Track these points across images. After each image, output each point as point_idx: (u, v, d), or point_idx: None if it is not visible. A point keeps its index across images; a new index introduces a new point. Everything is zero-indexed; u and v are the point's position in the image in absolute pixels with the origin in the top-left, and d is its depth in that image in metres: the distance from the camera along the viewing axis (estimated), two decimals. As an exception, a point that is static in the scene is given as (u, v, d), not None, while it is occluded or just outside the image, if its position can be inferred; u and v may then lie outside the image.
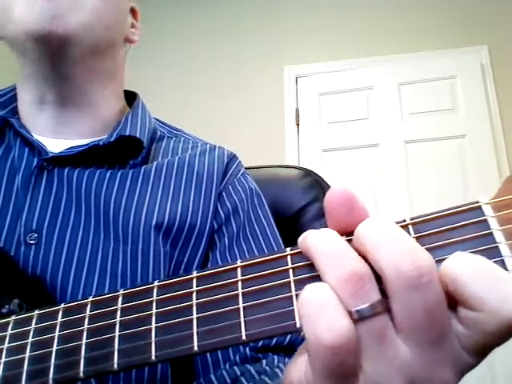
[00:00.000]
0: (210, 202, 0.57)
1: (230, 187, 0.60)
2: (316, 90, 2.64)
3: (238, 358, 0.50)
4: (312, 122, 2.59)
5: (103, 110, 0.60)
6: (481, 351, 0.23)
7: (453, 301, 0.23)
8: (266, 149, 2.47)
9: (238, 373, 0.48)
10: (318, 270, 0.24)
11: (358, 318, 0.23)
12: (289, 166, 0.87)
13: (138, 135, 0.57)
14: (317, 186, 0.79)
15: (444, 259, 0.23)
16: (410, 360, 0.23)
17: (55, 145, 0.56)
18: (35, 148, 0.54)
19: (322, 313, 0.22)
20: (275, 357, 0.50)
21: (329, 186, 0.79)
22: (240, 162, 0.66)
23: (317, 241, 0.25)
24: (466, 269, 0.22)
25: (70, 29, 0.50)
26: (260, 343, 0.51)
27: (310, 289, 0.23)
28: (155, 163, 0.58)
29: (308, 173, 0.81)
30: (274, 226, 0.61)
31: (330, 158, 2.49)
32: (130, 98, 0.67)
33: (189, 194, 0.57)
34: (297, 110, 2.63)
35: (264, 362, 0.49)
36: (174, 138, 0.65)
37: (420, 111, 2.46)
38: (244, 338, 0.25)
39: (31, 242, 0.49)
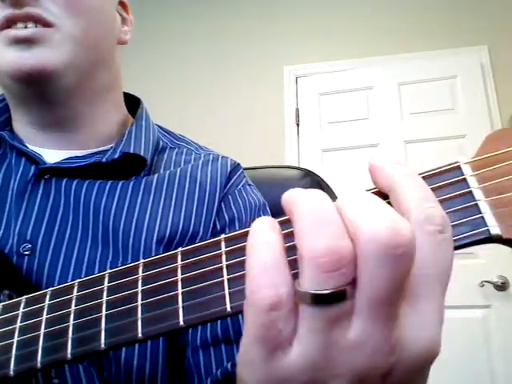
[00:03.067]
0: (212, 213, 0.56)
1: (229, 197, 0.58)
2: (316, 89, 2.64)
3: (209, 381, 0.48)
4: (312, 122, 2.59)
5: (103, 124, 0.57)
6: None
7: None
8: (266, 149, 2.47)
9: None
10: (294, 231, 0.22)
11: (313, 302, 0.21)
12: (289, 167, 0.87)
13: (142, 153, 0.55)
14: (317, 186, 0.78)
15: None
16: (359, 340, 0.21)
17: (52, 155, 0.54)
18: (32, 158, 0.52)
19: (265, 271, 0.21)
20: None
21: (329, 187, 0.79)
22: (243, 172, 0.64)
23: (302, 199, 0.22)
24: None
25: (50, 68, 0.48)
26: None
27: (258, 241, 0.22)
28: (156, 175, 0.56)
29: (308, 173, 0.81)
30: None
31: (330, 157, 2.49)
32: (132, 102, 0.65)
33: (191, 206, 0.55)
34: (297, 110, 2.62)
35: None
36: (176, 150, 0.63)
37: (420, 111, 2.46)
38: (229, 309, 0.25)
39: (25, 252, 0.47)
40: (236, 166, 0.63)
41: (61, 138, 0.55)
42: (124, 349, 0.46)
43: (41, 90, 0.50)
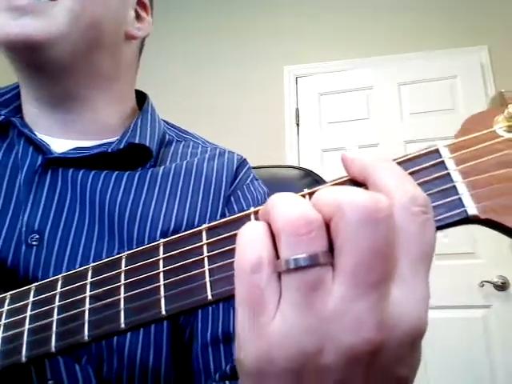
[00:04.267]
0: (218, 206, 0.56)
1: (238, 192, 0.59)
2: (316, 89, 2.64)
3: (217, 376, 0.49)
4: (312, 121, 2.59)
5: (104, 114, 0.58)
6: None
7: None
8: (266, 149, 2.47)
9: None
10: (270, 221, 0.24)
11: (288, 269, 0.22)
12: (289, 166, 0.87)
13: (147, 144, 0.56)
14: (317, 186, 0.78)
15: None
16: (339, 309, 0.21)
17: (59, 144, 0.55)
18: (39, 147, 0.53)
19: (248, 242, 0.23)
20: None
21: (329, 186, 0.79)
22: (250, 167, 0.64)
23: (275, 196, 0.25)
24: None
25: (36, 37, 0.48)
26: None
27: (247, 224, 0.24)
28: (163, 167, 0.57)
29: (308, 173, 0.81)
30: None
31: (330, 158, 2.49)
32: (139, 97, 0.65)
33: (196, 199, 0.55)
34: (297, 110, 2.63)
35: None
36: (182, 143, 0.64)
37: (420, 111, 2.46)
38: (210, 297, 0.26)
39: (33, 242, 0.48)
40: (242, 162, 0.64)
41: (64, 120, 0.56)
42: (127, 342, 0.47)
43: (30, 60, 0.51)
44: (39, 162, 0.52)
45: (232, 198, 0.58)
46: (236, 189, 0.59)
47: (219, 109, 2.71)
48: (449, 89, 2.45)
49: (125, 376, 0.46)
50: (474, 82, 2.43)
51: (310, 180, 0.80)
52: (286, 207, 0.23)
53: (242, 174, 0.61)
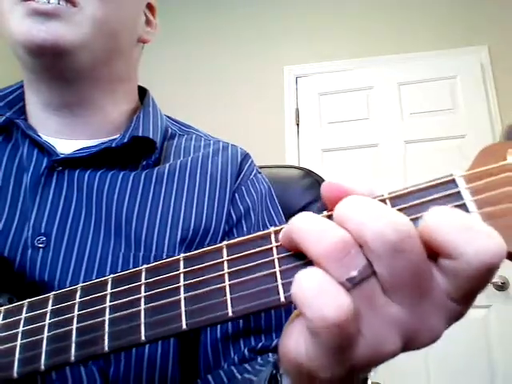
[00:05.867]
0: (225, 204, 0.56)
1: (242, 188, 0.59)
2: (316, 89, 2.64)
3: (236, 358, 0.50)
4: (312, 121, 2.59)
5: (113, 113, 0.58)
6: (464, 297, 0.25)
7: (432, 252, 0.24)
8: (266, 149, 2.46)
9: (235, 371, 0.48)
10: (304, 251, 0.25)
11: (351, 286, 0.24)
12: (289, 166, 0.87)
13: (151, 136, 0.56)
14: (317, 185, 0.79)
15: None
16: (401, 315, 0.24)
17: (65, 145, 0.54)
18: (44, 149, 0.52)
19: (320, 294, 0.23)
20: (270, 354, 0.50)
21: (329, 186, 0.79)
22: (253, 161, 0.65)
23: (297, 223, 0.26)
24: (442, 220, 0.23)
25: (63, 43, 0.48)
26: (259, 345, 0.50)
27: (302, 276, 0.24)
28: (168, 165, 0.57)
29: (308, 173, 0.81)
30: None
31: (329, 157, 2.49)
32: (140, 92, 0.65)
33: (203, 198, 0.56)
34: (297, 110, 2.62)
35: (259, 358, 0.49)
36: (185, 136, 0.64)
37: (420, 111, 2.46)
38: (231, 314, 0.26)
39: (39, 245, 0.48)
40: (246, 155, 0.64)
41: (72, 124, 0.55)
42: None
43: (52, 66, 0.50)
44: (45, 164, 0.51)
45: (237, 195, 0.58)
46: (240, 184, 0.59)
47: (219, 109, 2.70)
48: (449, 89, 2.45)
49: (132, 375, 0.46)
50: (474, 82, 2.43)
51: (310, 180, 0.80)
52: (317, 236, 0.24)
53: (245, 169, 0.62)
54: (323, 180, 0.81)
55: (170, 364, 0.48)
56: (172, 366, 0.48)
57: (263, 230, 0.56)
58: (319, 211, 0.27)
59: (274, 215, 0.60)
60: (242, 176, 0.60)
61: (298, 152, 2.54)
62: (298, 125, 2.60)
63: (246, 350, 0.50)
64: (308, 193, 0.78)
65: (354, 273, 0.24)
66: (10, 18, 0.48)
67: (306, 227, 0.25)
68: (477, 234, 0.23)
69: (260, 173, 0.64)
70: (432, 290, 0.24)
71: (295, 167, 0.85)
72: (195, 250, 0.51)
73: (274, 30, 2.80)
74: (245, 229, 0.56)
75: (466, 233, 0.23)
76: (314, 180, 0.80)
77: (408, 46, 2.57)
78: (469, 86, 2.43)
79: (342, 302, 0.23)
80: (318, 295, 0.23)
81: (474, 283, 0.23)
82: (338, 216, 0.25)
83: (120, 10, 0.52)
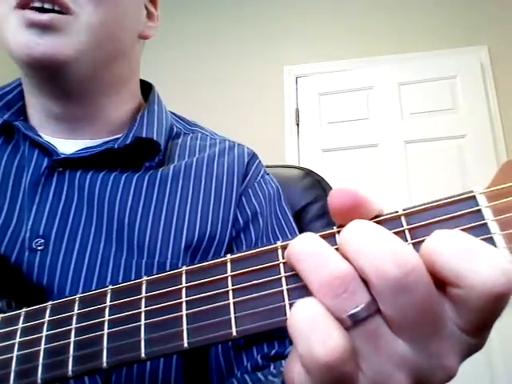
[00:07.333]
0: (230, 208, 0.54)
1: (249, 191, 0.57)
2: (316, 89, 2.64)
3: (249, 365, 0.48)
4: (312, 122, 2.59)
5: (116, 113, 0.56)
6: (477, 329, 0.22)
7: (440, 281, 0.22)
8: (266, 149, 2.46)
9: (248, 380, 0.46)
10: (302, 279, 0.23)
11: (352, 323, 0.22)
12: (289, 166, 0.87)
13: (155, 137, 0.53)
14: (317, 185, 0.78)
15: None
16: (410, 354, 0.22)
17: (66, 146, 0.53)
18: (45, 149, 0.51)
19: (312, 330, 0.22)
20: (283, 361, 0.48)
21: (330, 186, 0.79)
22: (260, 161, 0.62)
23: (296, 246, 0.24)
24: (442, 245, 0.22)
25: (62, 58, 0.47)
26: (273, 352, 0.49)
27: (298, 306, 0.23)
28: (172, 166, 0.55)
29: (309, 173, 0.81)
30: (295, 226, 0.59)
31: (329, 157, 2.49)
32: (144, 87, 0.63)
33: (208, 202, 0.53)
34: (297, 110, 2.62)
35: (272, 365, 0.48)
36: (190, 135, 0.62)
37: (420, 111, 2.46)
38: (235, 334, 0.25)
39: (38, 248, 0.46)
40: (253, 156, 0.62)
41: (73, 125, 0.54)
42: None
43: (53, 77, 0.49)
44: (45, 165, 0.50)
45: (244, 199, 0.56)
46: (247, 187, 0.57)
47: (219, 109, 2.70)
48: (449, 89, 2.45)
49: (134, 381, 0.45)
50: (473, 82, 2.43)
51: (310, 180, 0.80)
52: (314, 265, 0.23)
53: (252, 170, 0.59)
54: (323, 180, 0.80)
55: (173, 376, 0.47)
56: (175, 378, 0.47)
57: (271, 235, 0.55)
58: (320, 211, 0.26)
59: (281, 219, 0.58)
60: (248, 178, 0.58)
61: (298, 152, 2.54)
62: (298, 125, 2.61)
63: (259, 357, 0.48)
64: (308, 193, 0.78)
65: (356, 310, 0.22)
66: (4, 26, 0.47)
67: (304, 252, 0.23)
68: (480, 261, 0.21)
69: (268, 174, 0.62)
70: (444, 326, 0.22)
71: (295, 167, 0.84)
72: (200, 257, 0.51)
73: (274, 29, 2.80)
74: (253, 234, 0.54)
75: (467, 259, 0.21)
76: (314, 180, 0.80)
77: (408, 46, 2.57)
78: (469, 86, 2.43)
79: (334, 341, 0.21)
80: (310, 330, 0.22)
81: (485, 314, 0.21)
82: (341, 244, 0.23)
83: (118, 11, 0.50)
